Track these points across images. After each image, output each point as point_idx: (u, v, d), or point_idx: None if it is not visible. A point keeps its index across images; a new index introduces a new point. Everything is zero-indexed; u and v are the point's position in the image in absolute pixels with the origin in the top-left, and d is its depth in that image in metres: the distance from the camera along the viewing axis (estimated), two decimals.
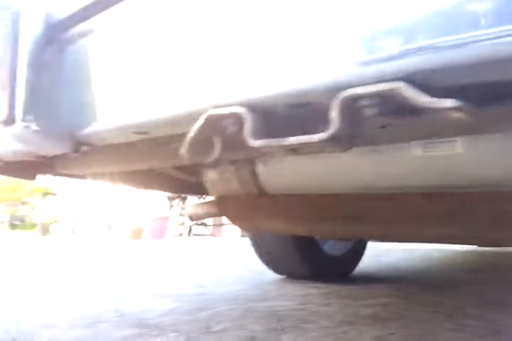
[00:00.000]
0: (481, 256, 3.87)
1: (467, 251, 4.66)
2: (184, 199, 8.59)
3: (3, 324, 1.43)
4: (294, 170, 1.10)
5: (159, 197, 8.30)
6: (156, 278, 2.48)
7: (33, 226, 9.76)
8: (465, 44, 0.51)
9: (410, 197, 0.99)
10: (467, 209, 0.98)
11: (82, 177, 1.42)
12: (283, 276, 2.41)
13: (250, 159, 1.11)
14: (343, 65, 0.56)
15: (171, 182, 1.54)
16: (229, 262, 3.20)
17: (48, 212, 8.49)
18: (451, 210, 1.00)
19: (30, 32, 0.75)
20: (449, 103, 0.49)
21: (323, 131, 0.56)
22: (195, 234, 8.31)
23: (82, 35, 0.81)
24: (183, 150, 0.67)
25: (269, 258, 2.28)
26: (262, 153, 0.63)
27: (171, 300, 1.83)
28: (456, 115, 0.50)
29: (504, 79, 0.50)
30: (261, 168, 1.14)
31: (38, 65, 0.76)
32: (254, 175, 1.15)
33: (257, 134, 0.61)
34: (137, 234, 7.73)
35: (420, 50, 0.52)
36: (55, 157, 1.04)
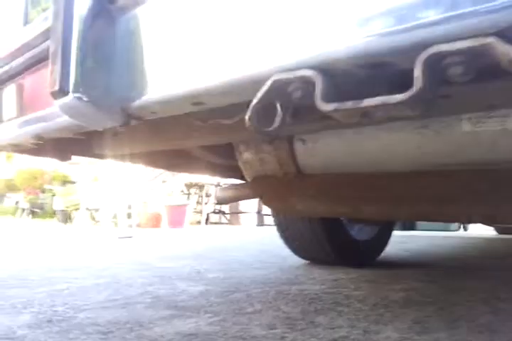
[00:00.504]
0: (503, 243, 3.82)
1: (488, 239, 4.60)
2: (201, 187, 8.62)
3: (38, 306, 1.45)
4: (333, 148, 1.08)
5: (177, 184, 8.35)
6: (182, 263, 2.50)
7: (53, 214, 9.90)
8: None
9: (458, 174, 0.96)
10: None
11: (115, 158, 1.42)
12: (308, 261, 2.40)
13: (288, 138, 1.09)
14: (426, 19, 0.52)
15: (202, 164, 1.53)
16: (251, 248, 3.20)
17: (67, 200, 8.59)
18: (496, 187, 0.97)
19: (81, 2, 0.74)
20: None
21: (406, 91, 0.53)
22: (212, 223, 8.36)
23: (134, 4, 0.79)
24: (248, 117, 0.65)
25: (295, 242, 2.27)
26: (333, 119, 0.60)
27: (201, 284, 1.84)
28: None
29: None
30: (299, 147, 1.12)
31: (90, 36, 0.75)
32: (291, 154, 1.13)
33: (329, 98, 0.58)
34: (156, 222, 7.79)
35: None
36: (92, 136, 1.04)
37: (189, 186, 8.48)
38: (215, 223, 8.56)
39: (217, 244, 3.89)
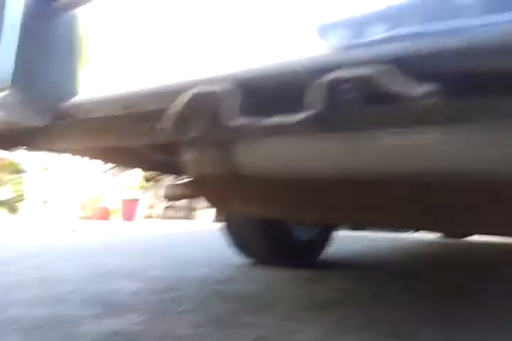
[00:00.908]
0: (446, 246, 4.00)
1: (434, 241, 4.80)
2: (158, 181, 8.53)
3: None
4: (271, 154, 1.11)
5: (132, 177, 8.22)
6: (123, 260, 2.48)
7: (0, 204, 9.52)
8: (445, 32, 0.52)
9: (380, 185, 1.01)
10: (430, 198, 1.01)
11: (61, 151, 1.40)
12: (252, 260, 2.44)
13: (230, 140, 1.12)
14: (328, 47, 0.57)
15: (149, 160, 1.53)
16: (199, 245, 3.22)
17: (15, 190, 8.28)
18: (415, 199, 1.03)
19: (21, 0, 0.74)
20: (425, 88, 0.50)
21: (303, 112, 0.57)
22: (167, 217, 8.29)
23: (74, 4, 0.79)
24: (167, 125, 0.67)
25: (239, 242, 2.30)
26: (242, 133, 0.64)
27: (138, 281, 1.84)
28: (430, 102, 0.51)
29: (485, 69, 0.52)
30: (239, 150, 1.15)
31: (27, 33, 0.75)
32: (232, 156, 1.15)
33: (239, 112, 0.61)
34: (106, 216, 7.65)
35: (401, 37, 0.53)
36: (36, 130, 1.02)
37: (146, 180, 8.37)
38: (170, 218, 8.49)
39: (167, 239, 3.88)
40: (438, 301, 1.63)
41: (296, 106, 0.59)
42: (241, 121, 0.60)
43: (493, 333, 1.24)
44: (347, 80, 0.53)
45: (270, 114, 0.61)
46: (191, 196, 1.59)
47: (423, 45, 0.52)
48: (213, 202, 1.60)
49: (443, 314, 1.43)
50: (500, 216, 1.02)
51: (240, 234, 2.25)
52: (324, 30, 0.73)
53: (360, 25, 0.68)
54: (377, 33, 0.64)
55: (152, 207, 8.21)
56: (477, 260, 3.11)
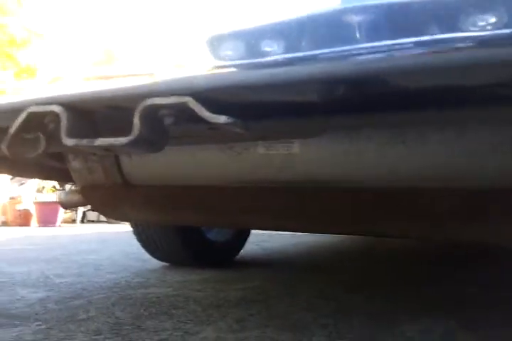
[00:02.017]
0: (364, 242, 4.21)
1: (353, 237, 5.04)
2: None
3: None
4: (155, 162, 1.16)
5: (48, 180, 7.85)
6: (33, 267, 2.40)
7: None
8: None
9: (255, 190, 1.10)
10: (300, 203, 1.11)
11: None
12: (166, 264, 2.46)
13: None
14: (149, 74, 0.63)
15: (41, 168, 1.51)
16: (115, 250, 3.17)
17: None
18: (286, 203, 1.13)
19: None
20: (223, 119, 0.58)
21: (128, 136, 0.63)
22: (89, 221, 8.01)
23: None
24: (4, 145, 0.70)
25: (152, 245, 2.31)
26: (79, 151, 0.69)
27: (44, 289, 1.81)
28: (232, 128, 0.60)
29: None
30: (124, 159, 1.18)
31: None
32: (117, 165, 1.18)
33: (72, 133, 0.66)
34: (26, 220, 7.26)
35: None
36: None
37: (64, 182, 8.02)
38: (93, 221, 8.21)
39: (82, 245, 3.77)
40: (340, 296, 1.75)
41: (124, 126, 0.66)
42: (76, 141, 0.65)
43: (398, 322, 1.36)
44: (164, 107, 0.61)
45: (101, 133, 0.67)
46: (84, 204, 1.60)
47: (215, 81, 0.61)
48: (101, 209, 1.62)
49: (341, 304, 1.55)
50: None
51: (150, 237, 2.26)
52: (215, 41, 0.80)
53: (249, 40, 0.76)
54: (270, 51, 0.73)
55: (72, 210, 7.88)
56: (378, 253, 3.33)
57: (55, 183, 7.69)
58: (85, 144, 0.65)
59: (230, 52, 0.90)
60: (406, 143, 0.95)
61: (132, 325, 1.32)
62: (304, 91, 0.61)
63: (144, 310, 1.50)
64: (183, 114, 0.62)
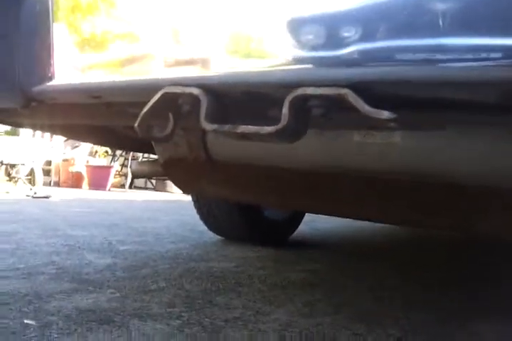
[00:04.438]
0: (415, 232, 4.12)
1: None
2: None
3: None
4: (240, 142, 1.13)
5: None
6: (95, 232, 2.48)
7: None
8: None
9: (346, 178, 1.05)
10: (387, 194, 1.06)
11: (33, 128, 1.38)
12: (223, 238, 2.48)
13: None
14: (298, 64, 0.59)
15: (121, 139, 1.52)
16: (170, 220, 3.23)
17: None
18: (374, 194, 1.08)
19: None
20: (386, 115, 0.53)
21: (274, 123, 0.59)
22: (136, 187, 8.22)
23: None
24: (137, 124, 0.68)
25: (211, 219, 2.32)
26: (215, 136, 0.66)
27: (110, 256, 1.85)
28: (390, 124, 0.55)
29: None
30: (210, 136, 1.16)
31: None
32: (203, 141, 1.16)
33: (211, 117, 0.62)
34: (78, 183, 7.53)
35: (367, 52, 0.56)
36: (12, 110, 1.01)
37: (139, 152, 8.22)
38: (140, 188, 8.42)
39: (137, 212, 3.87)
40: (406, 284, 1.70)
41: (269, 115, 0.62)
42: (216, 127, 0.62)
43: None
44: (316, 97, 0.56)
45: (237, 120, 0.64)
46: (159, 174, 1.60)
47: (379, 74, 0.55)
48: (181, 183, 1.62)
49: (413, 299, 1.50)
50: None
51: (210, 211, 2.27)
52: (295, 25, 0.74)
53: (332, 24, 0.70)
54: (348, 37, 0.67)
55: (121, 176, 8.10)
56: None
57: (108, 148, 7.89)
58: (227, 130, 0.62)
59: (310, 37, 0.84)
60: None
61: (203, 300, 1.32)
62: (478, 92, 0.56)
63: (211, 284, 1.51)
64: (335, 106, 0.58)
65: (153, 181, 8.36)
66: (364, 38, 0.77)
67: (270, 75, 0.62)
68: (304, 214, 2.74)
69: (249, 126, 0.61)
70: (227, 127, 0.62)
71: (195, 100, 0.63)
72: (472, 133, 0.87)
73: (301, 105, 0.58)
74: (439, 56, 0.70)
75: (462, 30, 0.72)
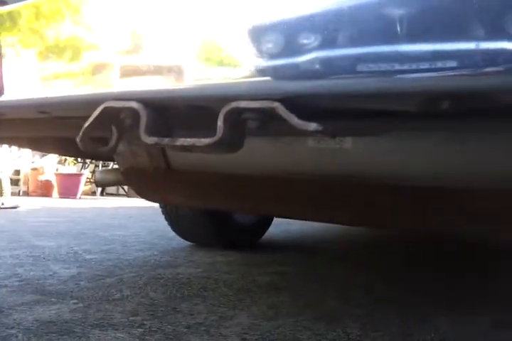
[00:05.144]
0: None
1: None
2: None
3: None
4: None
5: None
6: (62, 242, 2.45)
7: None
8: None
9: (300, 182, 1.08)
10: (341, 198, 1.10)
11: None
12: (192, 243, 2.48)
13: None
14: (233, 78, 0.61)
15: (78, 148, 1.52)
16: (140, 227, 3.21)
17: None
18: (329, 197, 1.12)
19: None
20: (314, 127, 0.56)
21: (212, 135, 0.61)
22: (108, 194, 8.12)
23: None
24: (78, 138, 0.69)
25: (179, 225, 2.33)
26: (156, 148, 0.67)
27: (75, 266, 1.83)
28: (320, 135, 0.58)
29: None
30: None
31: None
32: (163, 150, 1.17)
33: (151, 131, 0.64)
34: (47, 191, 7.40)
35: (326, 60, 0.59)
36: None
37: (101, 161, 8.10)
38: (112, 194, 8.32)
39: (107, 219, 3.83)
40: (371, 283, 1.74)
41: (203, 127, 0.64)
42: (156, 140, 0.63)
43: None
44: (249, 110, 0.59)
45: (177, 133, 0.66)
46: (122, 183, 1.60)
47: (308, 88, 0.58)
48: (142, 192, 1.62)
49: (375, 294, 1.54)
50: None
51: (178, 217, 2.27)
52: (256, 33, 0.76)
53: (290, 31, 0.72)
54: (307, 45, 0.70)
55: (93, 183, 7.98)
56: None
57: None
58: (166, 143, 0.64)
59: (270, 45, 0.86)
60: (463, 144, 0.92)
61: (167, 307, 1.33)
62: (404, 103, 0.59)
63: (176, 291, 1.51)
64: (268, 119, 0.60)
65: (126, 187, 8.27)
66: (323, 45, 0.80)
67: (205, 89, 0.64)
68: (273, 218, 2.76)
69: (187, 139, 0.63)
70: (166, 140, 0.64)
71: (135, 114, 0.65)
72: (409, 139, 0.91)
73: (236, 118, 0.61)
74: (396, 65, 0.73)
75: (420, 37, 0.75)
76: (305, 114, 0.58)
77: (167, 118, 0.68)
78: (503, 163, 0.93)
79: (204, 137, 0.62)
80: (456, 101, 0.57)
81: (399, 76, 0.60)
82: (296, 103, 0.59)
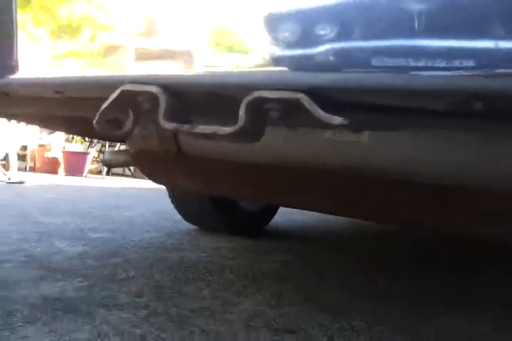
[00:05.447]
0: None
1: None
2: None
3: None
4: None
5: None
6: (68, 219, 2.45)
7: None
8: None
9: (314, 173, 1.07)
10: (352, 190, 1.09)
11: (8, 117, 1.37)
12: (197, 227, 2.47)
13: None
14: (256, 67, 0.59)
15: (90, 127, 1.50)
16: (146, 208, 3.21)
17: None
18: (341, 189, 1.10)
19: None
20: (339, 121, 0.54)
21: (231, 123, 0.59)
22: (114, 174, 8.14)
23: None
24: (95, 120, 0.68)
25: (185, 208, 2.32)
26: (173, 133, 0.66)
27: (81, 244, 1.84)
28: (344, 129, 0.56)
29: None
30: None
31: None
32: (174, 134, 1.16)
33: (170, 116, 0.63)
34: (54, 168, 7.42)
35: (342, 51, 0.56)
36: None
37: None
38: (118, 174, 8.34)
39: (113, 199, 3.84)
40: (377, 277, 1.73)
41: (224, 115, 0.63)
42: (175, 126, 0.62)
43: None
44: (272, 100, 0.57)
45: (197, 119, 0.64)
46: (130, 164, 1.60)
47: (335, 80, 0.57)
48: (151, 175, 1.62)
49: (379, 289, 1.53)
50: None
51: (185, 201, 2.26)
52: (272, 21, 0.74)
53: (308, 21, 0.70)
54: (324, 36, 0.68)
55: (99, 162, 8.00)
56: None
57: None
58: (186, 130, 0.62)
59: (286, 34, 0.84)
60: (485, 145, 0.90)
61: (172, 289, 1.33)
62: (434, 101, 0.57)
63: (181, 274, 1.51)
64: (291, 110, 0.59)
65: (132, 168, 8.28)
66: (339, 36, 0.77)
67: (229, 77, 0.63)
68: (279, 206, 2.75)
69: (208, 127, 0.62)
70: (186, 127, 0.63)
71: (154, 98, 0.64)
72: (429, 136, 0.89)
73: (258, 107, 0.60)
74: (411, 62, 0.70)
75: (439, 32, 0.72)
76: (329, 107, 0.57)
77: (186, 104, 0.66)
78: None
79: (223, 125, 0.61)
80: (489, 102, 0.56)
81: (429, 73, 0.58)
82: (321, 95, 0.57)
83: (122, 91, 0.66)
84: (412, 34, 0.67)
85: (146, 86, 0.64)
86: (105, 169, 7.86)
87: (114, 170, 8.40)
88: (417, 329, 1.20)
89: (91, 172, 7.71)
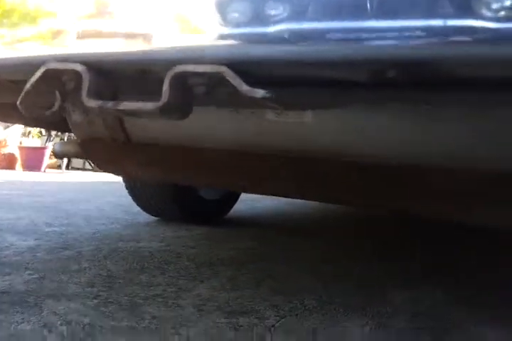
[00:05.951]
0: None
1: None
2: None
3: None
4: (159, 122, 1.11)
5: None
6: (22, 214, 2.38)
7: None
8: None
9: (259, 156, 1.07)
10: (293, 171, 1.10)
11: None
12: (157, 218, 2.45)
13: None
14: (180, 41, 0.59)
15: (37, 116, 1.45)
16: (105, 201, 3.15)
17: None
18: (288, 171, 1.11)
19: None
20: (261, 93, 0.54)
21: (157, 100, 0.59)
22: (74, 168, 7.94)
23: None
24: (18, 101, 0.65)
25: (143, 199, 2.29)
26: (98, 113, 0.64)
27: (34, 238, 1.79)
28: (268, 103, 0.57)
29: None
30: (128, 117, 1.13)
31: None
32: (120, 121, 1.14)
33: (94, 94, 0.61)
34: (11, 164, 7.18)
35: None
36: None
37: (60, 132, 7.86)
38: (78, 168, 8.14)
39: (71, 193, 3.75)
40: (333, 258, 1.77)
41: (151, 92, 0.62)
42: (99, 103, 0.61)
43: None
44: (195, 75, 0.57)
45: (123, 97, 0.63)
46: (81, 156, 1.56)
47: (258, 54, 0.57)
48: (100, 164, 1.59)
49: (337, 272, 1.56)
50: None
51: (142, 191, 2.23)
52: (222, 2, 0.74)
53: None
54: (276, 14, 0.69)
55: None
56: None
57: (43, 129, 7.54)
58: (110, 107, 0.61)
59: (236, 14, 0.84)
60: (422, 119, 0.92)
61: (125, 279, 1.31)
62: (353, 72, 0.58)
63: (136, 263, 1.50)
64: (216, 85, 0.58)
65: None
66: (292, 16, 0.78)
67: (152, 53, 0.62)
68: (240, 194, 2.76)
69: (132, 103, 0.61)
70: (110, 104, 0.62)
71: (78, 77, 0.62)
72: (366, 113, 0.90)
73: (182, 82, 0.59)
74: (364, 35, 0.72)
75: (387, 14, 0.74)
76: (254, 81, 0.57)
77: (113, 82, 0.65)
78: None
79: (151, 102, 0.60)
80: (401, 70, 0.57)
81: (347, 44, 0.59)
82: (245, 68, 0.57)
83: (46, 71, 0.64)
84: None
85: (70, 64, 0.63)
86: (64, 163, 7.66)
87: (74, 164, 8.19)
88: (368, 303, 1.23)
89: (50, 167, 7.49)
